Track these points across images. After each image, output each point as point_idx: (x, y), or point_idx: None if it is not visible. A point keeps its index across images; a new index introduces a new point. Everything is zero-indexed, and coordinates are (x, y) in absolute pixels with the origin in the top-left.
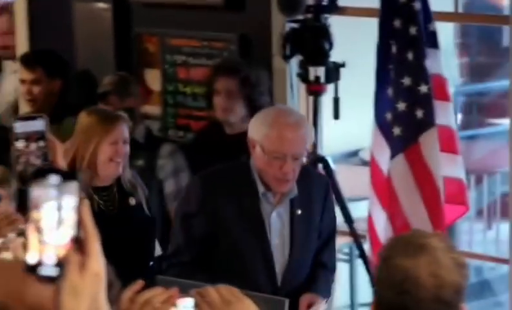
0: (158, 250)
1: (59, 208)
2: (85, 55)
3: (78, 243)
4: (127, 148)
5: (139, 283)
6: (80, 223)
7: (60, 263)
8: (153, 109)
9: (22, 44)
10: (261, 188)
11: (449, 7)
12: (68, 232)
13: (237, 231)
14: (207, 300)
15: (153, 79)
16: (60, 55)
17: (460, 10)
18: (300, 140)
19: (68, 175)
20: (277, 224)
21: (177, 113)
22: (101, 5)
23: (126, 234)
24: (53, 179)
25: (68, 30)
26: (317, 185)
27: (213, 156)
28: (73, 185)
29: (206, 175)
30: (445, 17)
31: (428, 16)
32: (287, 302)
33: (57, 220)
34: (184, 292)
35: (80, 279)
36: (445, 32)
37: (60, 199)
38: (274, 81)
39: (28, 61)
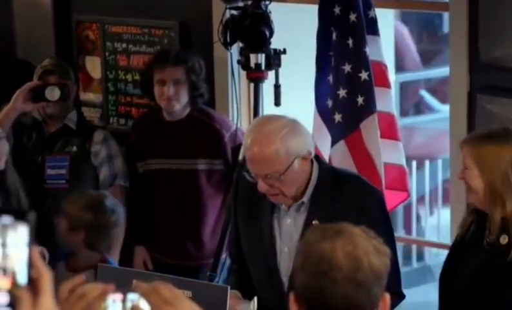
0: None
1: (4, 245)
2: (25, 43)
3: (31, 283)
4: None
5: (80, 277)
6: (31, 264)
7: (14, 303)
8: (94, 97)
9: None
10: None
11: None
12: (15, 269)
13: (247, 234)
14: (149, 299)
15: (94, 66)
16: None
17: None
18: (262, 159)
19: (19, 214)
20: (290, 231)
21: (118, 100)
22: None
23: None
24: (5, 219)
25: (7, 17)
26: (354, 196)
27: (150, 145)
28: (22, 225)
29: (238, 179)
30: (385, 3)
31: (368, 3)
32: (228, 289)
33: (0, 257)
34: (126, 281)
35: None
36: (385, 19)
37: (5, 237)
38: (215, 69)
39: None
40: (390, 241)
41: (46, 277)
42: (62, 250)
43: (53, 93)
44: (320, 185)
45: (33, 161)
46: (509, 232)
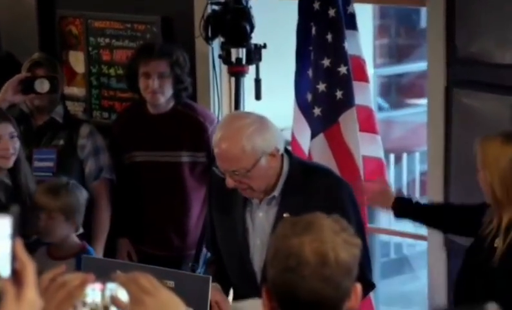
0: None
1: None
2: (9, 37)
3: (14, 275)
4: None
5: (61, 267)
6: (14, 257)
7: None
8: (77, 91)
9: None
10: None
11: None
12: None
13: (221, 229)
14: (128, 289)
15: (77, 61)
16: None
17: None
18: (229, 157)
19: (2, 208)
20: (262, 224)
21: (101, 94)
22: None
23: None
24: None
25: None
26: (319, 185)
27: (135, 138)
28: (5, 219)
29: (209, 177)
30: None
31: None
32: (210, 279)
33: None
34: (110, 271)
35: (18, 308)
36: (364, 14)
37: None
38: (196, 63)
39: None
40: (360, 232)
41: (30, 269)
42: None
43: (43, 86)
44: (290, 179)
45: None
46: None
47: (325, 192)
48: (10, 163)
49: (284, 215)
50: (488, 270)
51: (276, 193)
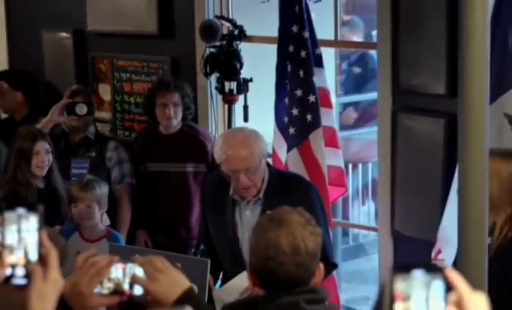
0: (106, 220)
1: (19, 231)
2: (52, 73)
3: (41, 259)
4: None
5: (92, 250)
6: (41, 244)
7: (28, 275)
8: (105, 114)
9: (2, 64)
10: (232, 191)
11: (331, 36)
12: (28, 249)
13: (214, 225)
14: (144, 268)
15: (105, 91)
16: (24, 72)
17: (339, 38)
18: (244, 157)
19: (31, 206)
20: (249, 221)
21: (123, 117)
22: (64, 34)
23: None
24: (19, 209)
25: (39, 53)
26: (294, 188)
27: (150, 152)
28: (33, 215)
29: (203, 184)
30: (328, 43)
31: (315, 42)
32: (209, 262)
33: (18, 239)
34: (130, 255)
35: (44, 286)
36: (328, 55)
37: (21, 225)
38: (198, 93)
39: None
40: (324, 223)
41: (53, 254)
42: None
43: (82, 109)
44: (271, 183)
45: (62, 162)
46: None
47: (298, 193)
48: (44, 172)
49: (267, 212)
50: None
51: (260, 195)
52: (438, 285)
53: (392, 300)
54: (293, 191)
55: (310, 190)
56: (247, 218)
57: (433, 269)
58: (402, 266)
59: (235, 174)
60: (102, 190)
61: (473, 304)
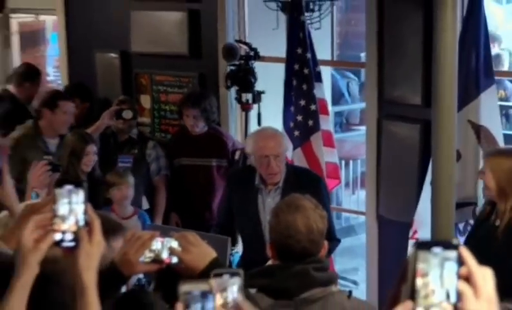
0: (146, 205)
1: (70, 203)
2: (103, 86)
3: (87, 224)
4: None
5: (138, 229)
6: (86, 212)
7: (76, 238)
8: (145, 119)
9: (63, 79)
10: (257, 181)
11: (328, 56)
12: (78, 217)
13: (239, 209)
14: (179, 241)
15: (145, 101)
16: (85, 86)
17: (335, 59)
18: (274, 145)
19: (78, 183)
20: (271, 206)
21: (160, 122)
22: (112, 55)
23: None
24: (67, 186)
25: (92, 70)
26: (307, 181)
27: (181, 149)
28: (80, 190)
29: (229, 175)
30: (326, 62)
31: (315, 62)
32: (229, 240)
33: (68, 210)
34: (166, 233)
35: (90, 247)
36: (326, 72)
37: (72, 198)
38: (220, 102)
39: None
40: (329, 208)
41: (97, 222)
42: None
43: (127, 115)
44: (288, 175)
45: (110, 157)
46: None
47: (311, 184)
48: (89, 169)
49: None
50: (493, 242)
51: (280, 184)
52: (452, 261)
53: (414, 276)
54: (306, 182)
55: (320, 182)
56: (268, 204)
57: (450, 247)
58: (423, 244)
59: (265, 160)
60: (133, 178)
61: (481, 277)
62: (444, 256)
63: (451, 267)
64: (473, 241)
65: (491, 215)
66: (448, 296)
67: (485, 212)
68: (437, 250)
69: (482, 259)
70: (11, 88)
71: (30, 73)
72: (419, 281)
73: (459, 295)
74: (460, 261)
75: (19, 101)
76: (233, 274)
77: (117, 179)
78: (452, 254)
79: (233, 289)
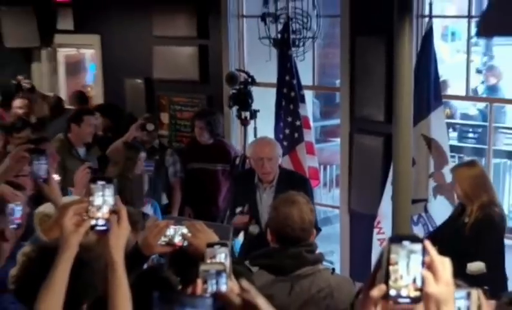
0: (165, 200)
1: (103, 196)
2: (131, 106)
3: (116, 212)
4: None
5: (155, 218)
6: (115, 203)
7: (107, 223)
8: (164, 132)
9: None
10: (256, 180)
11: (310, 82)
12: (109, 207)
13: (242, 202)
14: (188, 228)
15: (165, 117)
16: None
17: (316, 84)
18: (268, 150)
19: (109, 180)
20: (265, 200)
21: (176, 134)
22: (138, 80)
23: None
24: (100, 182)
25: (122, 93)
26: (297, 181)
27: (193, 156)
28: (111, 185)
29: (235, 176)
30: (308, 87)
31: (300, 87)
32: (231, 228)
33: (102, 201)
34: (180, 222)
35: (119, 230)
36: (309, 95)
37: (105, 191)
38: (225, 119)
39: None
40: (313, 202)
41: (124, 210)
42: None
43: (150, 127)
44: (280, 176)
45: None
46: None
47: (299, 184)
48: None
49: (279, 195)
50: (463, 236)
51: (274, 183)
52: (418, 252)
53: (387, 264)
54: (296, 182)
55: (306, 182)
56: (264, 199)
57: (416, 240)
58: (395, 238)
59: (260, 162)
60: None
61: (441, 265)
62: (411, 249)
63: (417, 257)
64: (446, 234)
65: (462, 214)
66: (414, 281)
67: (457, 212)
68: (405, 243)
69: (453, 248)
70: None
71: (82, 99)
72: (391, 269)
73: (423, 280)
74: (424, 252)
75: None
76: (221, 245)
77: None
78: (418, 246)
79: (221, 256)
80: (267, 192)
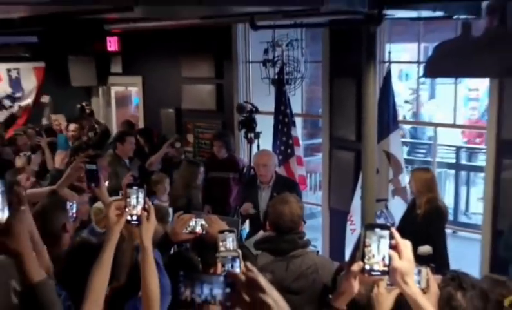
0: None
1: (137, 197)
2: (164, 129)
3: (145, 210)
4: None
5: (180, 213)
6: (146, 203)
7: (139, 219)
8: (190, 149)
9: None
10: (258, 182)
11: (299, 110)
12: (141, 206)
13: (247, 199)
14: (206, 221)
15: (190, 138)
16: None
17: (304, 112)
18: (266, 159)
19: (140, 184)
20: (264, 197)
21: (199, 150)
22: (170, 110)
23: None
24: (135, 187)
25: (158, 120)
26: (288, 184)
27: (211, 167)
28: (143, 189)
29: (245, 181)
30: (298, 114)
31: (291, 114)
32: (239, 221)
33: (136, 201)
34: (201, 215)
35: (147, 225)
36: (298, 120)
37: (138, 194)
38: (235, 139)
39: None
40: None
41: (152, 209)
42: None
43: (178, 145)
44: (276, 180)
45: (169, 172)
46: (420, 208)
47: (289, 185)
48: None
49: (274, 194)
50: (416, 223)
51: (270, 184)
52: (386, 236)
53: (364, 246)
54: (288, 185)
55: (296, 186)
56: (263, 197)
57: (385, 228)
58: (369, 226)
59: (258, 167)
60: (168, 180)
61: (404, 246)
62: (381, 234)
63: (385, 241)
64: (405, 223)
65: (414, 207)
66: (383, 258)
67: (411, 205)
68: (377, 230)
69: (410, 233)
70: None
71: (131, 126)
72: (366, 249)
73: (390, 257)
74: (391, 237)
75: None
76: (230, 232)
77: (159, 180)
78: (386, 232)
79: (230, 240)
80: (265, 191)
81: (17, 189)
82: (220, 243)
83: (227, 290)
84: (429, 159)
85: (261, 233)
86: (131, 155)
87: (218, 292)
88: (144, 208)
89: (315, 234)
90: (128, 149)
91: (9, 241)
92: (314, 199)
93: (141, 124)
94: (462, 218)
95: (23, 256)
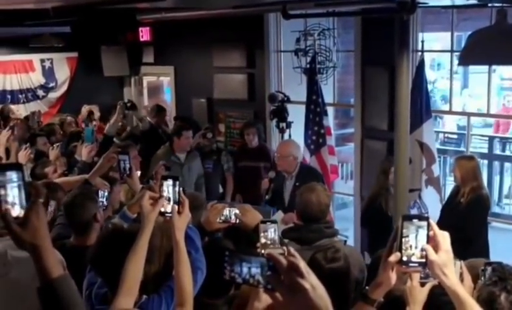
0: (221, 190)
1: (173, 189)
2: (197, 119)
3: (180, 202)
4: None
5: (214, 202)
6: (180, 195)
7: (173, 211)
8: (221, 139)
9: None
10: (283, 172)
11: (331, 100)
12: (174, 199)
13: (275, 187)
14: (239, 209)
15: (222, 127)
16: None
17: (336, 101)
18: (283, 150)
19: (175, 178)
20: (289, 186)
21: (230, 140)
22: (202, 100)
23: None
24: (170, 180)
25: (190, 110)
26: (311, 174)
27: (242, 156)
28: (177, 182)
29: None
30: (330, 104)
31: (323, 103)
32: (272, 210)
33: (172, 195)
34: (233, 206)
35: (180, 217)
36: (330, 110)
37: (175, 187)
38: (266, 128)
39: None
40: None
41: (186, 200)
42: None
43: (210, 135)
44: (300, 170)
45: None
46: (464, 197)
47: (314, 176)
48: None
49: (297, 184)
50: (459, 211)
51: (293, 174)
52: (424, 227)
53: (401, 237)
54: (311, 175)
55: (319, 176)
56: (287, 185)
57: (422, 219)
58: (407, 216)
59: (277, 157)
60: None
61: (441, 238)
62: (419, 225)
63: (423, 231)
64: (447, 210)
65: (457, 195)
66: (421, 250)
67: (454, 193)
68: (415, 220)
69: (451, 221)
70: (148, 118)
71: (160, 109)
72: (403, 240)
73: (426, 250)
74: (429, 228)
75: (153, 126)
76: (272, 222)
77: None
78: (424, 223)
79: (272, 230)
80: (289, 181)
81: (35, 182)
82: (262, 234)
83: (268, 272)
84: (462, 148)
85: (280, 214)
86: (188, 149)
87: (256, 271)
88: (177, 202)
89: (347, 224)
90: (185, 144)
91: (26, 235)
92: (346, 188)
93: (173, 115)
94: (495, 208)
95: (41, 249)
